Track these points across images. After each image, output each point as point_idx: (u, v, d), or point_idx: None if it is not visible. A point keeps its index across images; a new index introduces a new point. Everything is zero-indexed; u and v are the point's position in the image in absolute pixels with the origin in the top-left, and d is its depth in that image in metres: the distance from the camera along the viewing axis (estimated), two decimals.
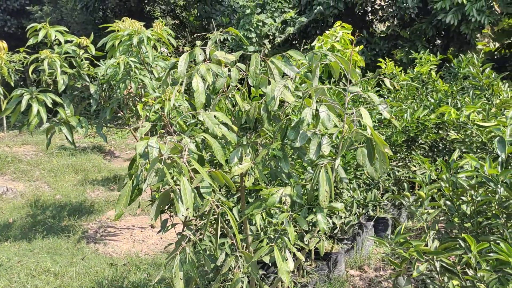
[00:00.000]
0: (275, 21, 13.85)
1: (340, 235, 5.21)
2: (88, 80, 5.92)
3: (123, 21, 6.39)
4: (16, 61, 13.99)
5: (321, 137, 2.41)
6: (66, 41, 5.77)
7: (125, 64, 5.49)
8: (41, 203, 7.90)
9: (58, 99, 5.58)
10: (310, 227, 3.79)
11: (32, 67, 5.65)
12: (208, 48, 2.69)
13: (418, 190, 3.18)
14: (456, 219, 3.17)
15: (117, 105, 5.95)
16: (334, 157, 2.59)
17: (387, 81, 2.65)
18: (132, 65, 5.51)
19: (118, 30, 5.99)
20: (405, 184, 3.46)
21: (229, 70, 2.69)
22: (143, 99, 5.95)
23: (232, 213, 2.51)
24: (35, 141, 12.63)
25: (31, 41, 5.61)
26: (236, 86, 2.75)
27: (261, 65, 2.75)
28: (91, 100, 5.89)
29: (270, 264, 3.52)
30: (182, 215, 2.17)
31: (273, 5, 14.05)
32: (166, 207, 3.80)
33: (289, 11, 13.94)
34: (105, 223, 7.09)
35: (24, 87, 5.82)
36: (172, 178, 2.20)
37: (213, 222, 2.68)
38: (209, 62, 2.61)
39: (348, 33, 5.80)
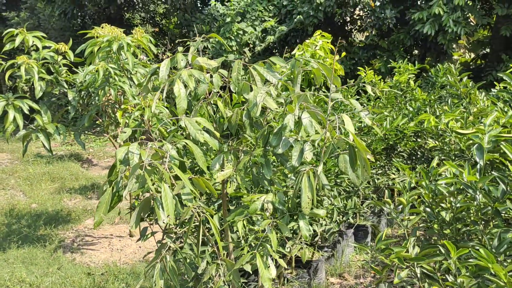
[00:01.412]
0: (255, 30, 13.90)
1: (320, 242, 5.21)
2: (66, 87, 5.83)
3: (102, 27, 6.34)
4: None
5: (304, 144, 2.40)
6: (44, 47, 5.68)
7: (104, 70, 5.43)
8: (16, 212, 7.72)
9: (35, 106, 5.48)
10: (292, 235, 3.78)
11: (8, 73, 5.54)
12: (190, 54, 2.67)
13: (398, 197, 3.20)
14: (435, 226, 3.20)
15: (95, 112, 5.87)
16: (316, 164, 2.59)
17: (369, 88, 2.67)
18: (111, 71, 5.45)
19: (97, 37, 5.93)
20: (386, 191, 3.48)
21: (211, 77, 2.67)
22: (122, 106, 5.89)
23: (214, 221, 2.48)
24: (11, 149, 12.38)
25: (7, 47, 5.51)
26: (218, 92, 2.73)
27: (243, 71, 2.74)
28: (69, 107, 5.80)
29: (251, 272, 3.49)
30: (163, 222, 2.14)
31: (253, 14, 14.10)
32: (146, 215, 3.76)
33: (269, 20, 14.01)
34: (82, 232, 6.97)
35: None
36: (153, 185, 2.17)
37: (193, 230, 2.65)
38: (191, 68, 2.59)
39: (328, 42, 5.85)
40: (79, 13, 17.89)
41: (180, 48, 2.79)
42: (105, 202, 2.17)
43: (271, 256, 2.43)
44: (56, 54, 5.78)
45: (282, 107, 2.71)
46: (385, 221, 6.57)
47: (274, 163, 2.86)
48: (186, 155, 2.65)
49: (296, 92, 2.70)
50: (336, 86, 2.71)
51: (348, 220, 5.68)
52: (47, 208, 7.94)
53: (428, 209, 3.20)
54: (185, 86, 2.49)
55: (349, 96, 6.09)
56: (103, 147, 13.75)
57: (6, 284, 5.06)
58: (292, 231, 3.85)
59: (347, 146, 2.35)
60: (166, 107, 5.75)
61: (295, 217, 2.58)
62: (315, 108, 2.52)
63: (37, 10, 16.83)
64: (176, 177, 2.31)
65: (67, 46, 5.74)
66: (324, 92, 4.89)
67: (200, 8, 18.89)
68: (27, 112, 5.38)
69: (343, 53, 5.91)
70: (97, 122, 6.41)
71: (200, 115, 2.74)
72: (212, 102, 2.69)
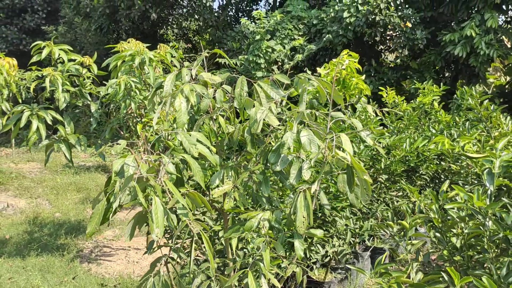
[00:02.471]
0: (284, 48, 13.95)
1: (334, 264, 5.11)
2: (90, 99, 5.95)
3: (128, 42, 6.49)
4: (28, 79, 14.21)
5: (302, 162, 2.37)
6: (70, 60, 5.84)
7: (126, 84, 5.52)
8: (39, 220, 7.88)
9: (58, 117, 5.62)
10: (289, 254, 3.71)
11: (33, 84, 5.72)
12: (194, 69, 2.69)
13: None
14: (445, 252, 3.09)
15: (117, 125, 5.97)
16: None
17: (369, 108, 2.62)
18: (132, 85, 5.54)
19: (122, 51, 6.07)
20: (390, 213, 3.39)
21: (215, 92, 2.68)
22: (143, 120, 5.97)
23: (216, 233, 2.46)
24: (41, 159, 12.71)
25: (34, 59, 5.69)
26: (222, 108, 2.73)
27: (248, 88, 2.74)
28: (92, 119, 5.92)
29: None
30: (156, 236, 2.13)
31: (283, 32, 14.17)
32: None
33: (298, 39, 14.05)
34: (101, 242, 7.05)
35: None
36: (148, 198, 2.17)
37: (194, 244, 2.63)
38: (194, 83, 2.60)
39: (355, 62, 5.81)
40: (114, 29, 18.39)
41: (186, 63, 2.81)
42: (98, 213, 2.18)
43: (264, 275, 2.38)
44: (81, 67, 5.92)
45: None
46: (404, 245, 6.39)
47: (272, 181, 2.82)
48: (186, 170, 2.65)
49: (300, 110, 2.68)
50: (339, 104, 2.67)
51: (365, 243, 5.56)
52: (70, 218, 8.07)
53: (438, 234, 3.10)
54: (187, 101, 2.50)
55: (370, 118, 6.00)
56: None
57: None
58: (287, 250, 3.77)
59: (346, 166, 2.30)
60: None
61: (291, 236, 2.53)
62: (318, 126, 2.49)
63: (75, 25, 17.38)
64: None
65: (92, 59, 5.87)
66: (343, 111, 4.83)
67: (231, 26, 19.10)
68: (50, 123, 5.51)
69: (364, 75, 5.84)
70: (118, 135, 6.52)
71: (204, 130, 2.74)
72: (215, 117, 2.69)
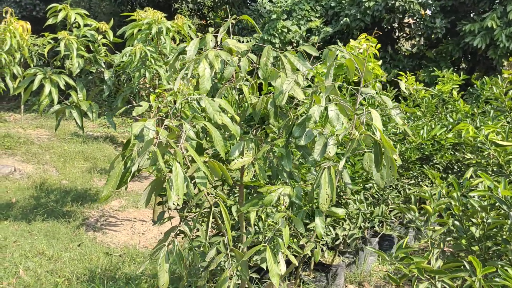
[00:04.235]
0: (300, 29, 13.74)
1: (342, 247, 5.05)
2: (104, 66, 5.86)
3: (145, 10, 6.36)
4: (40, 45, 14.12)
5: (328, 138, 2.28)
6: (85, 25, 5.73)
7: (142, 52, 5.41)
8: (46, 186, 7.86)
9: (71, 82, 5.53)
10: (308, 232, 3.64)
11: (48, 47, 5.62)
12: (220, 35, 2.58)
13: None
14: (463, 241, 3.01)
15: (129, 94, 5.88)
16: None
17: (402, 84, 2.51)
18: (148, 54, 5.43)
19: (139, 19, 5.95)
20: (412, 197, 3.30)
21: (240, 60, 2.57)
22: (156, 90, 5.87)
23: (228, 208, 2.38)
24: (50, 126, 12.67)
25: (50, 21, 5.58)
26: (246, 78, 2.63)
27: (274, 58, 2.64)
28: (104, 87, 5.82)
29: (265, 268, 3.38)
30: (173, 203, 2.05)
31: (299, 13, 13.94)
32: (164, 199, 3.70)
33: (315, 20, 13.82)
34: (107, 212, 7.02)
35: None
36: (167, 164, 2.09)
37: (206, 216, 2.56)
38: (220, 49, 2.50)
39: (372, 46, 5.68)
40: (129, 0, 18.16)
41: (210, 29, 2.71)
42: (115, 176, 2.11)
43: (282, 252, 2.31)
44: (97, 33, 5.82)
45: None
46: (412, 234, 6.32)
47: (295, 156, 2.73)
48: (206, 138, 2.57)
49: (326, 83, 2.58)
50: (368, 81, 2.57)
51: (374, 228, 5.49)
52: (77, 186, 8.04)
53: (457, 223, 3.01)
54: (211, 67, 2.40)
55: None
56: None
57: (26, 254, 5.12)
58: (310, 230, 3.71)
59: (373, 144, 2.21)
60: (197, 93, 5.71)
61: (312, 213, 2.45)
62: (344, 101, 2.39)
63: None
64: (193, 160, 2.22)
65: (108, 25, 5.76)
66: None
67: (247, 4, 18.84)
68: (63, 88, 5.43)
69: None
70: (130, 105, 6.43)
71: (225, 99, 2.65)
72: (237, 87, 2.59)
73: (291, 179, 2.49)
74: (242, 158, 2.46)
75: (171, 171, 2.10)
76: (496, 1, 12.07)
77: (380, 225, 5.48)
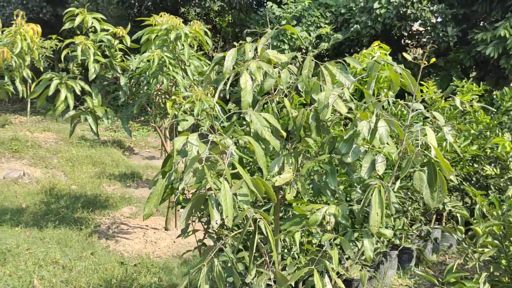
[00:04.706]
0: (309, 35, 13.66)
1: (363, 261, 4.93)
2: (120, 72, 5.76)
3: (161, 16, 6.27)
4: (48, 47, 14.05)
5: (376, 155, 2.17)
6: (102, 30, 5.64)
7: (160, 58, 5.32)
8: (56, 192, 7.75)
9: (87, 87, 5.44)
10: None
11: (65, 51, 5.53)
12: (260, 45, 2.48)
13: (458, 225, 2.92)
14: (503, 261, 2.90)
15: (145, 100, 5.79)
16: (385, 178, 2.35)
17: (457, 100, 2.41)
18: (166, 60, 5.34)
19: (154, 25, 5.86)
20: (459, 217, 3.19)
21: (279, 72, 2.47)
22: (172, 97, 5.77)
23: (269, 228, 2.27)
24: (57, 129, 12.57)
25: (67, 26, 5.49)
26: (287, 90, 2.53)
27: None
28: (120, 92, 5.73)
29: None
30: (216, 223, 1.95)
31: (309, 19, 13.87)
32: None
33: (324, 27, 13.75)
34: (118, 219, 6.91)
35: None
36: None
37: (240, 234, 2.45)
38: (260, 60, 2.40)
39: (385, 54, 5.58)
40: (136, 3, 18.12)
41: (248, 38, 2.61)
42: (157, 194, 2.01)
43: (328, 274, 2.20)
44: (113, 38, 5.73)
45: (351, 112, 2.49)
46: (431, 246, 6.21)
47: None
48: (245, 155, 2.46)
49: (369, 97, 2.48)
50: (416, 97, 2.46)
51: (393, 241, 5.38)
52: (86, 191, 7.94)
53: (496, 242, 2.90)
54: (252, 79, 2.30)
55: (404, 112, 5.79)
56: (146, 136, 13.81)
57: (40, 263, 5.01)
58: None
59: (426, 163, 2.10)
60: (217, 103, 5.61)
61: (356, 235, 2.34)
62: (390, 117, 2.29)
63: None
64: (234, 176, 2.12)
65: (125, 30, 5.67)
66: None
67: (255, 9, 18.79)
68: (78, 93, 5.33)
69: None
70: (145, 111, 6.33)
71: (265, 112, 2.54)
72: (277, 99, 2.49)
73: (334, 197, 2.38)
74: (282, 174, 2.36)
75: (213, 189, 2.00)
76: (509, 10, 11.99)
77: (400, 238, 5.36)
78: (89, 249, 5.58)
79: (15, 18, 8.85)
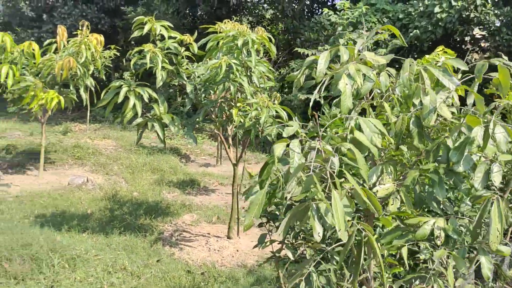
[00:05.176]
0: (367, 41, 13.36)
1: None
2: (185, 79, 5.76)
3: (225, 23, 6.25)
4: (107, 57, 14.41)
5: (491, 164, 1.99)
6: (169, 37, 5.65)
7: (227, 65, 5.27)
8: (118, 198, 7.86)
9: (154, 95, 5.46)
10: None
11: (134, 59, 5.57)
12: (357, 48, 2.34)
13: None
14: None
15: (211, 107, 5.76)
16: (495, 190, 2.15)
17: None
18: (233, 66, 5.28)
19: (219, 32, 5.84)
20: None
21: (378, 75, 2.33)
22: (238, 104, 5.71)
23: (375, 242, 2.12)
24: (116, 136, 12.84)
25: (136, 34, 5.53)
26: (386, 94, 2.38)
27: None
28: (186, 100, 5.72)
29: None
30: (319, 236, 1.82)
31: (366, 25, 13.59)
32: (265, 222, 3.49)
33: (382, 32, 13.42)
34: (180, 226, 6.90)
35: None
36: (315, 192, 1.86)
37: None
38: (357, 63, 2.26)
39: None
40: (191, 13, 18.40)
41: (341, 40, 2.47)
42: (257, 204, 1.90)
43: None
44: (180, 46, 5.74)
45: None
46: (507, 261, 5.83)
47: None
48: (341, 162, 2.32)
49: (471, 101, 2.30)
50: None
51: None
52: (148, 198, 8.00)
53: None
54: (352, 83, 2.16)
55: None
56: (201, 144, 13.88)
57: (108, 269, 5.04)
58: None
59: None
60: (284, 109, 5.50)
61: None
62: (501, 122, 2.10)
63: (153, 7, 17.47)
64: (333, 186, 1.98)
65: (192, 38, 5.67)
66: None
67: (307, 16, 18.67)
68: (147, 100, 5.35)
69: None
70: (208, 117, 6.31)
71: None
72: (375, 104, 2.34)
73: (440, 209, 2.20)
74: (380, 184, 2.20)
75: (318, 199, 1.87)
76: None
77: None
78: (155, 256, 5.57)
79: (80, 28, 9.13)
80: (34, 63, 8.69)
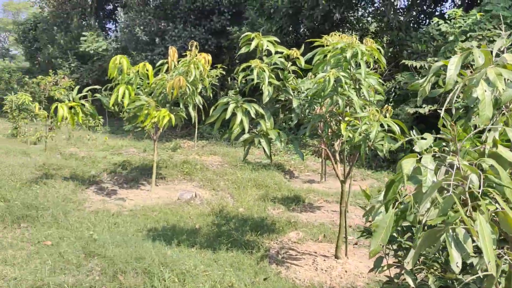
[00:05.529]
0: None
1: None
2: (292, 94, 5.67)
3: (331, 35, 6.08)
4: (213, 76, 14.87)
5: None
6: (276, 52, 5.62)
7: (336, 78, 5.09)
8: (225, 214, 7.93)
9: (261, 110, 5.43)
10: None
11: (241, 76, 5.60)
12: (496, 49, 2.07)
13: None
14: None
15: (318, 122, 5.60)
16: None
17: None
18: (342, 80, 5.09)
19: (326, 45, 5.68)
20: None
21: None
22: (346, 118, 5.49)
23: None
24: (222, 152, 13.12)
25: (243, 50, 5.56)
26: None
27: None
28: (292, 115, 5.62)
29: None
30: (457, 266, 1.57)
31: (480, 33, 12.67)
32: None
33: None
34: (286, 244, 6.76)
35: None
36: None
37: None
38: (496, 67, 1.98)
39: None
40: (294, 30, 18.51)
41: (474, 43, 2.20)
42: (384, 228, 1.69)
43: None
44: (286, 61, 5.67)
45: None
46: None
47: None
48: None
49: None
50: None
51: None
52: (253, 214, 7.99)
53: None
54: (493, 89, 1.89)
55: None
56: (304, 160, 13.74)
57: (216, 286, 5.02)
58: None
59: None
60: (396, 123, 5.20)
61: None
62: None
63: (257, 25, 17.81)
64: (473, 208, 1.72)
65: (299, 51, 5.57)
66: None
67: (413, 28, 17.92)
68: (253, 116, 5.34)
69: None
70: (314, 132, 6.16)
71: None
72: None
73: None
74: None
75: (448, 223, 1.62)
76: None
77: None
78: (262, 274, 5.48)
79: (189, 48, 9.47)
80: (148, 83, 9.16)
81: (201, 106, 9.55)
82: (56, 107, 8.19)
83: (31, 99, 16.90)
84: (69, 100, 8.56)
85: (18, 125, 17.37)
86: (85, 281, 4.88)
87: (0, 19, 59.10)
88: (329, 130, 5.81)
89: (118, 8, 25.53)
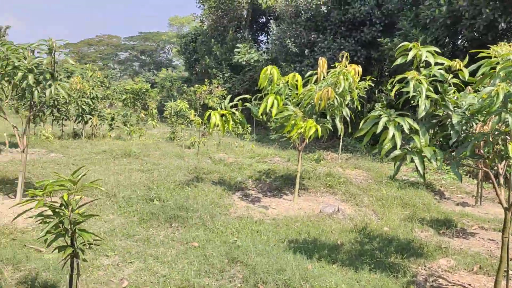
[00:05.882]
0: None
1: None
2: (451, 109, 5.20)
3: (499, 46, 5.50)
4: (362, 88, 14.53)
5: None
6: (436, 63, 5.21)
7: (505, 93, 4.54)
8: (368, 231, 7.60)
9: (415, 126, 5.07)
10: None
11: (395, 88, 5.30)
12: None
13: None
14: None
15: (482, 140, 5.05)
16: None
17: None
18: None
19: (494, 56, 5.13)
20: None
21: None
22: None
23: None
24: (366, 167, 12.72)
25: (399, 61, 5.28)
26: None
27: None
28: (452, 132, 5.16)
29: None
30: None
31: None
32: None
33: None
34: (435, 271, 6.23)
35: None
36: None
37: None
38: None
39: None
40: (451, 41, 17.34)
41: None
42: None
43: None
44: (446, 73, 5.23)
45: None
46: None
47: None
48: None
49: None
50: None
51: None
52: (398, 235, 7.54)
53: None
54: None
55: None
56: (457, 181, 12.70)
57: None
58: None
59: None
60: None
61: None
62: None
63: (410, 37, 17.01)
64: None
65: (463, 63, 5.11)
66: None
67: None
68: (407, 131, 5.01)
69: None
70: (475, 152, 5.58)
71: None
72: None
73: None
74: None
75: None
76: None
77: None
78: None
79: (338, 60, 9.33)
80: (296, 93, 9.22)
81: (348, 118, 9.34)
82: (210, 114, 8.62)
83: (188, 106, 18.21)
84: (221, 108, 8.95)
85: (175, 129, 18.85)
86: (227, 287, 4.98)
87: (165, 33, 65.09)
88: (493, 150, 5.21)
89: (271, 21, 26.36)
